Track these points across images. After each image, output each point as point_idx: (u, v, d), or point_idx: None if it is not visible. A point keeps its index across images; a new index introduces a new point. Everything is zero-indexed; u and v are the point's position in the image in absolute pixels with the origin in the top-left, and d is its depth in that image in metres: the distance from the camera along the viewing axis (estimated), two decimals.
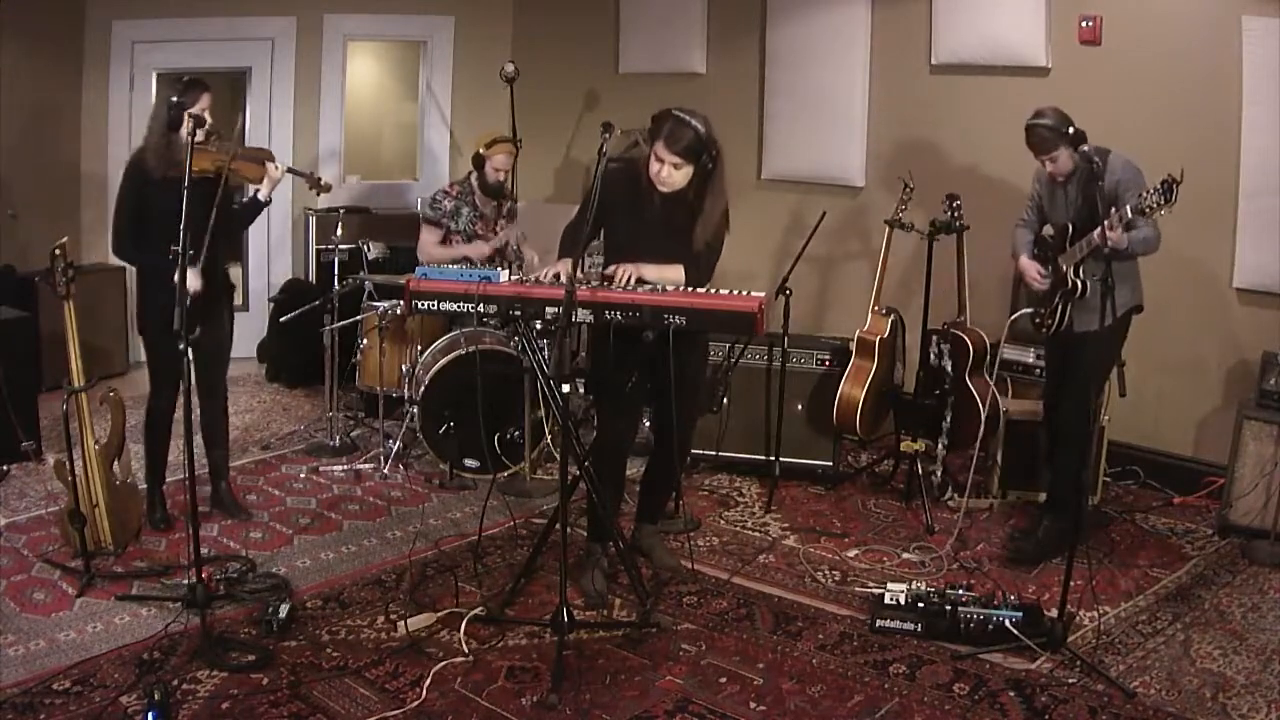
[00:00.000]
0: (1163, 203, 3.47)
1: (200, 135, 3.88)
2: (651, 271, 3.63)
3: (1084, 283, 3.94)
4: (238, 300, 7.05)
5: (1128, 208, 3.59)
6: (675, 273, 3.65)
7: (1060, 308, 4.04)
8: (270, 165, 4.08)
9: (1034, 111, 3.93)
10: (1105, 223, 3.60)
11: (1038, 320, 4.17)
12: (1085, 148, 3.63)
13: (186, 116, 3.82)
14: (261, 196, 4.14)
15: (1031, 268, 4.14)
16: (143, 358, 6.73)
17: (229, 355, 4.39)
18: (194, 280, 3.85)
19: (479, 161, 5.14)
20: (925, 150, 5.40)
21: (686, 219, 3.63)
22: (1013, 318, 4.34)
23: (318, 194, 4.36)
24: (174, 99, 3.87)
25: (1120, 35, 4.88)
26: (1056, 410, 4.22)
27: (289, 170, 4.20)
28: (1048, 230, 4.12)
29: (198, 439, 4.22)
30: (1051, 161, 3.96)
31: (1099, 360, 4.09)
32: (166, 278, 3.93)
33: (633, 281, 3.58)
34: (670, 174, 3.54)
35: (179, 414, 4.35)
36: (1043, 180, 4.16)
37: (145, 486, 4.33)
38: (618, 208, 3.64)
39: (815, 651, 3.43)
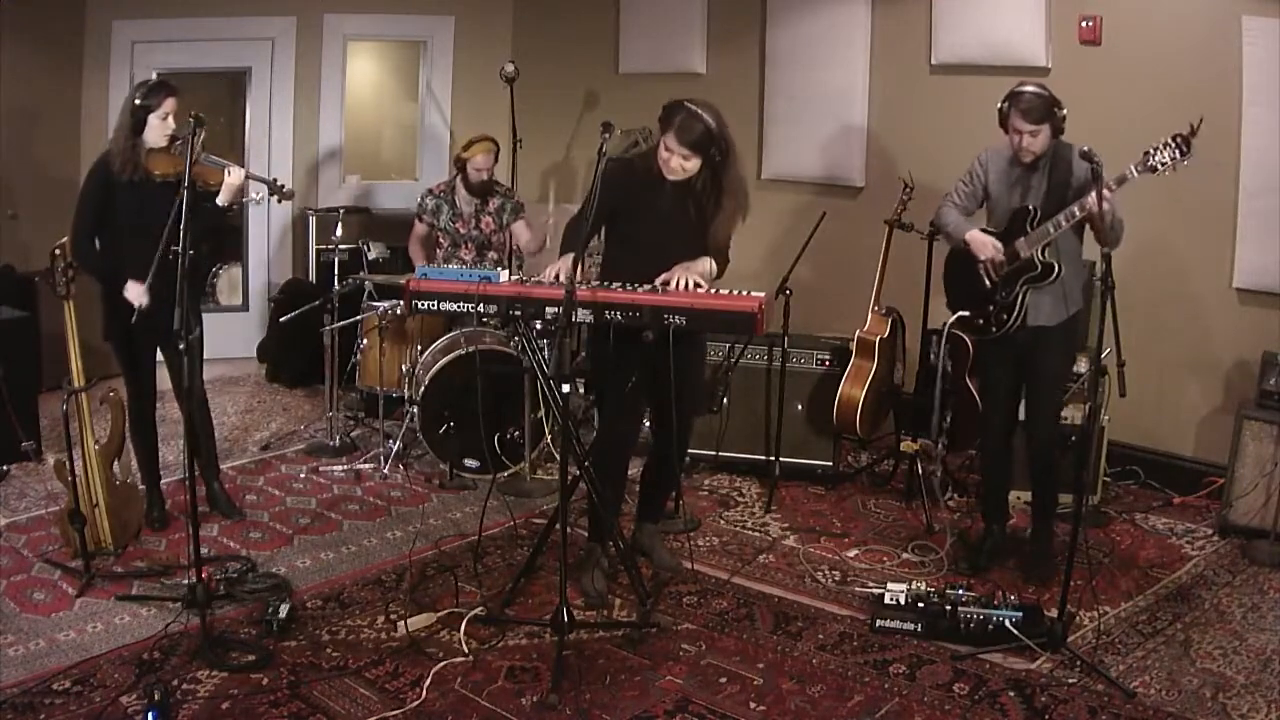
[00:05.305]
0: (1176, 158, 3.27)
1: (164, 140, 3.93)
2: (698, 270, 3.58)
3: (1056, 264, 3.70)
4: (237, 300, 7.07)
5: (1132, 166, 3.40)
6: (709, 265, 3.67)
7: (1020, 299, 3.79)
8: (228, 170, 3.98)
9: (1018, 82, 3.72)
10: (1095, 190, 3.36)
11: (983, 321, 3.90)
12: (1086, 148, 3.59)
13: (160, 120, 3.88)
14: (220, 202, 4.01)
15: (988, 241, 3.81)
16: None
17: (200, 356, 4.16)
18: (139, 294, 3.90)
19: (461, 165, 5.25)
20: (925, 150, 5.39)
21: (698, 212, 3.63)
22: (949, 322, 4.00)
23: (278, 200, 4.28)
24: (137, 101, 3.89)
25: (1120, 35, 4.88)
26: (1028, 420, 3.99)
27: (250, 176, 4.10)
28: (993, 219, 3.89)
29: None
30: (1032, 136, 3.67)
31: (1066, 359, 3.97)
32: (119, 283, 3.99)
33: (690, 285, 3.49)
34: (679, 165, 3.54)
35: (160, 412, 4.38)
36: (995, 162, 3.87)
37: (144, 487, 4.33)
38: (622, 206, 3.64)
39: (815, 651, 3.43)
